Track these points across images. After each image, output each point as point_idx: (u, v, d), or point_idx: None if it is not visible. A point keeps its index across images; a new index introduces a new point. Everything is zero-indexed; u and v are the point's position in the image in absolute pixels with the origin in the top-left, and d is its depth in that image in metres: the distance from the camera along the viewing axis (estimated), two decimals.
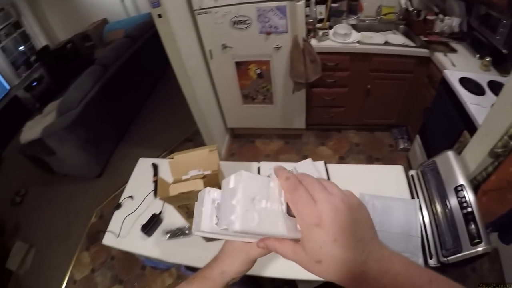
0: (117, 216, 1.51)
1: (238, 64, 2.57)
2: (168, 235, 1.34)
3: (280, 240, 0.40)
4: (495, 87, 1.96)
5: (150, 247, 1.34)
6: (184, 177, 1.08)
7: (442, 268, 1.27)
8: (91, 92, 3.06)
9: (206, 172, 1.08)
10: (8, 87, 4.68)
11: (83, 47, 5.38)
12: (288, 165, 1.48)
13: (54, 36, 5.55)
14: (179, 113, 3.76)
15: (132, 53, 3.73)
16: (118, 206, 1.56)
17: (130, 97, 3.85)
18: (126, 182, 2.99)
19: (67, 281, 2.49)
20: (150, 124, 3.90)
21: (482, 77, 2.07)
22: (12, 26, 4.94)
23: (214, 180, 1.00)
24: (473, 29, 2.37)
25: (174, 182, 1.05)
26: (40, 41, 5.36)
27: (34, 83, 4.83)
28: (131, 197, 1.58)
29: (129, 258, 2.49)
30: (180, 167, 1.10)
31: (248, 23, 2.28)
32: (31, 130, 3.01)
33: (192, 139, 3.43)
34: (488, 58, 2.16)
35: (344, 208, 0.35)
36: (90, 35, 5.30)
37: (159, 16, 1.95)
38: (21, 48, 5.06)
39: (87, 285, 2.45)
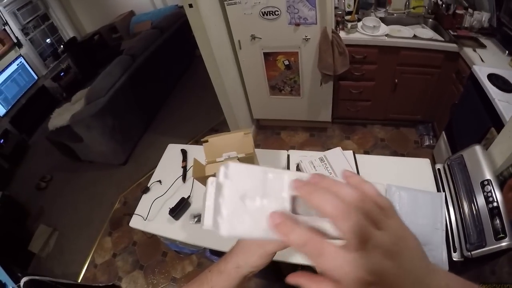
0: (145, 199, 1.54)
1: (267, 55, 2.57)
2: (196, 219, 1.35)
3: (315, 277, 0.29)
4: None
5: (177, 231, 1.36)
6: (218, 160, 1.10)
7: (465, 263, 1.28)
8: (120, 81, 3.12)
9: (240, 155, 1.09)
10: (36, 77, 4.82)
11: (110, 39, 5.47)
12: (317, 154, 1.49)
13: (82, 28, 5.69)
14: (204, 104, 3.81)
15: (159, 44, 3.77)
16: (146, 189, 1.58)
17: (156, 87, 3.91)
18: (151, 170, 3.05)
19: (88, 264, 2.57)
20: (176, 113, 3.95)
21: (511, 74, 2.02)
22: (40, 18, 5.06)
23: (251, 162, 1.00)
24: (503, 25, 2.30)
25: (207, 164, 1.06)
26: (68, 33, 5.49)
27: (62, 74, 4.95)
28: (159, 181, 1.60)
29: (150, 244, 2.54)
30: (214, 150, 1.12)
31: (277, 14, 2.28)
32: (60, 117, 3.10)
33: (218, 129, 3.45)
34: None
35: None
36: (117, 27, 5.37)
37: (190, 5, 1.96)
38: (49, 40, 5.19)
39: (107, 269, 2.51)
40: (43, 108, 4.60)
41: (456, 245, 1.30)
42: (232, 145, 1.11)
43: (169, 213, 1.37)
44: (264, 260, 0.49)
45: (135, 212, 1.49)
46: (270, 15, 2.29)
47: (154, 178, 1.64)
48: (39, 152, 4.09)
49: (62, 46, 5.28)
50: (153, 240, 2.52)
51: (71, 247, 2.74)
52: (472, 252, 1.24)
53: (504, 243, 1.16)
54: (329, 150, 1.53)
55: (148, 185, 1.60)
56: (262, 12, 2.28)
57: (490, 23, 2.44)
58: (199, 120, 3.66)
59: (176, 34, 4.16)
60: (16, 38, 4.60)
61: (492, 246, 1.19)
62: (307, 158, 1.50)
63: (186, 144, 1.85)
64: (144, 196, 1.57)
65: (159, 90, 4.04)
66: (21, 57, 4.60)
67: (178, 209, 1.37)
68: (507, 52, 2.23)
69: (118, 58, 3.34)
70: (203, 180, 0.99)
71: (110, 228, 2.77)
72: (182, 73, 4.64)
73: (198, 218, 1.36)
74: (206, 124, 3.55)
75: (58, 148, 3.37)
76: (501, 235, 1.18)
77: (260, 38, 2.45)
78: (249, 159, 1.05)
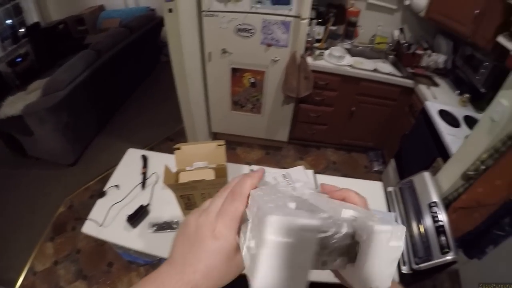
0: (100, 204, 1.47)
1: (234, 70, 2.61)
2: (155, 228, 1.33)
3: None
4: (470, 121, 2.14)
5: (134, 239, 1.32)
6: (188, 168, 1.10)
7: (413, 275, 1.43)
8: (81, 76, 2.99)
9: (211, 166, 1.10)
10: None
11: (75, 30, 5.22)
12: (280, 171, 1.55)
13: (48, 15, 5.35)
14: (163, 112, 3.76)
15: (127, 44, 3.68)
16: (102, 194, 1.53)
17: (117, 88, 3.79)
18: (101, 174, 2.96)
19: (27, 272, 2.34)
20: (132, 118, 3.83)
21: (459, 112, 2.25)
22: None
23: (222, 173, 1.02)
24: (457, 67, 2.56)
25: (178, 172, 1.06)
26: (32, 17, 5.16)
27: (18, 59, 4.60)
28: (117, 186, 1.55)
29: (96, 253, 2.40)
30: (185, 158, 1.11)
31: (251, 32, 2.34)
32: (12, 106, 2.89)
33: (174, 139, 3.41)
34: (466, 95, 2.35)
35: None
36: (85, 19, 5.14)
37: (170, 10, 1.97)
38: (10, 21, 4.84)
39: (47, 278, 2.32)
40: None
41: (405, 259, 1.46)
42: (204, 154, 1.11)
43: (127, 221, 1.33)
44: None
45: (88, 217, 1.41)
46: (244, 32, 2.35)
47: (111, 182, 1.58)
48: None
49: (23, 29, 4.96)
50: (99, 248, 2.40)
51: (8, 251, 2.49)
52: (420, 265, 1.40)
53: (449, 257, 1.35)
54: (292, 168, 1.61)
55: (105, 189, 1.54)
56: (237, 28, 2.33)
57: (445, 65, 2.68)
58: (155, 127, 3.59)
59: (144, 36, 4.09)
60: None
61: (438, 260, 1.37)
62: (270, 174, 1.55)
63: (138, 149, 1.81)
64: (99, 201, 1.50)
65: (119, 92, 3.92)
66: None
67: (137, 217, 1.34)
68: (457, 91, 2.48)
69: (82, 52, 3.20)
70: (174, 187, 0.99)
71: (53, 233, 2.57)
72: (145, 77, 4.55)
73: (157, 227, 1.33)
74: (162, 132, 3.49)
75: (4, 139, 3.14)
76: (446, 250, 1.37)
77: (231, 53, 2.49)
78: (221, 171, 1.07)
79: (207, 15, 2.29)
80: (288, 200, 0.34)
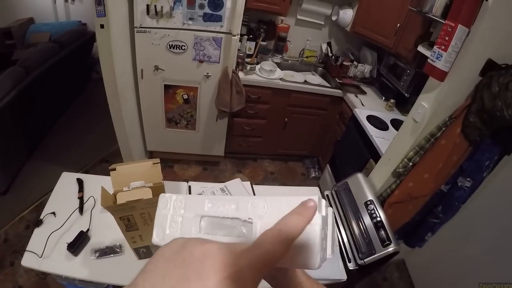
0: (38, 234, 1.40)
1: (167, 87, 2.61)
2: (97, 254, 1.31)
3: None
4: (397, 124, 2.38)
5: (77, 268, 1.28)
6: (125, 189, 1.09)
7: (360, 270, 1.55)
8: (8, 96, 2.80)
9: (148, 185, 1.10)
10: None
11: (3, 45, 4.83)
12: (218, 185, 1.63)
13: None
14: (96, 131, 3.63)
15: (56, 60, 3.51)
16: (39, 222, 1.46)
17: (46, 108, 3.57)
18: (36, 201, 2.84)
19: None
20: (65, 139, 3.62)
21: (386, 116, 2.49)
22: None
23: (159, 191, 0.96)
24: (382, 76, 2.81)
25: (115, 193, 1.06)
26: None
27: None
28: (53, 213, 1.50)
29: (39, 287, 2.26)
30: (121, 179, 1.10)
31: (183, 49, 2.39)
32: None
33: (109, 160, 3.31)
34: (392, 100, 2.61)
35: None
36: (13, 33, 4.80)
37: (102, 26, 1.95)
38: None
39: None
40: None
41: (350, 256, 1.59)
42: (140, 174, 1.11)
43: (67, 249, 1.30)
44: None
45: (27, 249, 1.34)
46: (176, 48, 2.38)
47: (47, 209, 1.52)
48: None
49: None
50: (41, 282, 2.25)
51: None
52: (365, 260, 1.52)
53: (390, 248, 1.48)
54: (229, 181, 1.68)
55: (41, 218, 1.49)
56: (169, 44, 2.36)
57: (371, 74, 2.95)
58: (89, 148, 3.45)
59: (75, 52, 3.93)
60: None
61: (381, 252, 1.49)
62: (208, 188, 1.61)
63: (72, 172, 1.76)
64: (36, 230, 1.43)
65: (49, 112, 3.70)
66: None
67: (77, 244, 1.31)
68: (383, 98, 2.75)
69: (10, 69, 2.98)
70: (112, 209, 1.00)
71: None
72: (76, 96, 4.34)
73: (99, 252, 1.32)
74: (96, 154, 3.37)
75: None
76: (387, 242, 1.50)
77: (163, 70, 2.50)
78: (158, 189, 1.08)
79: (139, 31, 2.28)
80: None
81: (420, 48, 2.05)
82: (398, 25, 2.30)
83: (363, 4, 2.66)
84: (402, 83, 2.49)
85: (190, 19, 2.26)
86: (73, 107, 4.19)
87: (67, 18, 5.00)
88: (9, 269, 2.36)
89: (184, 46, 2.38)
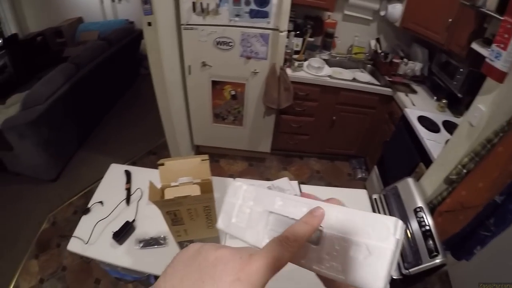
0: (85, 221, 1.46)
1: (214, 83, 2.63)
2: (141, 244, 1.33)
3: None
4: (449, 126, 2.21)
5: (121, 256, 1.32)
6: (173, 184, 1.08)
7: (404, 280, 1.46)
8: (61, 90, 2.96)
9: (196, 181, 1.09)
10: None
11: (54, 43, 5.14)
12: (265, 183, 1.58)
13: (26, 26, 5.26)
14: (144, 125, 3.75)
15: (106, 57, 3.67)
16: (87, 210, 1.52)
17: (97, 102, 3.77)
18: (84, 189, 2.93)
19: None
20: (113, 132, 3.79)
21: (438, 117, 2.32)
22: None
23: (207, 188, 1.02)
24: (433, 74, 2.64)
25: (163, 188, 1.06)
26: (10, 28, 5.07)
27: None
28: (101, 202, 1.55)
29: (82, 270, 2.36)
30: (169, 174, 1.09)
31: (231, 45, 2.37)
32: None
33: (156, 152, 3.40)
34: (444, 101, 2.43)
35: None
36: (63, 32, 5.09)
37: (149, 24, 1.98)
38: None
39: None
40: None
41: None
42: (189, 170, 1.10)
43: (113, 237, 1.33)
44: None
45: (73, 235, 1.40)
46: (224, 45, 2.38)
47: (95, 198, 1.58)
48: None
49: (1, 41, 4.85)
50: (85, 265, 2.37)
51: None
52: (410, 270, 1.42)
53: (437, 260, 1.38)
54: (277, 180, 1.63)
55: (89, 206, 1.54)
56: (216, 41, 2.36)
57: (422, 72, 2.77)
58: (137, 141, 3.57)
59: (123, 49, 4.09)
60: None
61: (427, 263, 1.40)
62: (256, 186, 1.57)
63: (123, 164, 1.81)
64: (84, 217, 1.49)
65: (99, 105, 3.90)
66: None
67: (123, 233, 1.34)
68: (435, 97, 2.57)
69: (61, 65, 3.17)
70: (160, 204, 0.99)
71: (37, 250, 2.51)
72: (125, 90, 4.54)
73: (143, 243, 1.34)
74: (144, 146, 3.47)
75: None
76: (435, 253, 1.40)
77: (211, 66, 2.51)
78: (206, 186, 1.06)
79: (186, 28, 2.31)
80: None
81: (474, 45, 1.90)
82: (450, 20, 2.14)
83: None
84: (455, 82, 2.32)
85: (237, 15, 2.25)
86: (122, 101, 4.38)
87: (114, 17, 5.22)
88: (55, 250, 2.50)
89: (232, 42, 2.37)
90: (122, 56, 4.12)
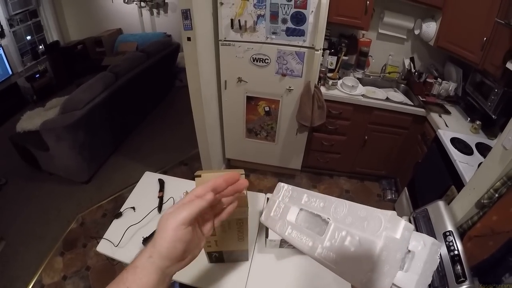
0: (116, 225, 1.49)
1: (249, 98, 2.66)
2: None
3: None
4: (483, 148, 2.13)
5: None
6: None
7: None
8: (99, 97, 3.08)
9: None
10: (10, 72, 4.60)
11: (94, 52, 5.40)
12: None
13: (67, 34, 5.58)
14: (177, 136, 3.82)
15: (144, 68, 3.79)
16: (119, 215, 1.55)
17: (132, 110, 3.89)
18: (114, 193, 3.00)
19: (34, 283, 2.36)
20: (147, 140, 3.89)
21: (471, 139, 2.25)
22: (29, 13, 4.92)
23: (242, 202, 1.02)
24: (467, 94, 2.57)
25: None
26: (52, 35, 5.36)
27: (37, 75, 4.76)
28: (133, 208, 1.58)
29: (105, 271, 2.41)
30: None
31: (267, 62, 2.40)
32: (30, 121, 2.99)
33: (188, 163, 3.44)
34: (478, 122, 2.35)
35: None
36: (103, 41, 5.33)
37: (188, 39, 2.03)
38: (30, 37, 5.03)
39: None
40: (9, 106, 4.38)
41: None
42: None
43: (143, 243, 1.35)
44: (177, 250, 0.50)
45: (104, 237, 1.43)
46: (260, 62, 2.41)
47: (127, 204, 1.61)
48: None
49: (42, 46, 5.14)
50: (109, 266, 2.39)
51: (18, 261, 2.52)
52: None
53: (464, 286, 1.33)
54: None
55: (121, 210, 1.57)
56: (253, 58, 2.39)
57: (456, 92, 2.70)
58: (169, 151, 3.64)
59: (161, 61, 4.21)
60: (1, 27, 4.41)
61: None
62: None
63: (154, 173, 1.83)
64: (115, 221, 1.52)
65: (134, 114, 4.02)
66: (1, 48, 4.39)
67: None
68: (469, 119, 2.49)
69: (101, 73, 3.30)
70: None
71: (63, 247, 2.59)
72: (159, 101, 4.66)
73: None
74: (176, 156, 3.53)
75: (19, 152, 3.21)
76: (462, 279, 1.35)
77: (246, 82, 2.54)
78: (241, 200, 1.06)
79: (223, 44, 2.36)
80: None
81: (509, 65, 1.83)
82: (485, 38, 2.08)
83: (446, 16, 2.47)
84: (489, 103, 2.24)
85: (273, 33, 2.28)
86: (157, 111, 4.51)
87: (152, 29, 5.42)
88: (81, 249, 2.57)
89: (268, 59, 2.40)
90: (159, 68, 4.25)
